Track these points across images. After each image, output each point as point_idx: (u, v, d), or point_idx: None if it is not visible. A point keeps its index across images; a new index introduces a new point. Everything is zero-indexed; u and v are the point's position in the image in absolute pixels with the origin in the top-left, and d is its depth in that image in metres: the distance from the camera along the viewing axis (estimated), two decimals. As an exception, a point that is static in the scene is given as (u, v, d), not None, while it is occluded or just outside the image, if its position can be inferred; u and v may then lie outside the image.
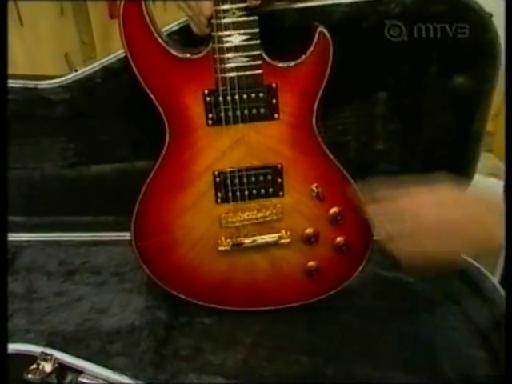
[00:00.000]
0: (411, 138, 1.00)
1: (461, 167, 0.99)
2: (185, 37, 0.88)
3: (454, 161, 0.99)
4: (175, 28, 0.88)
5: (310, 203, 0.85)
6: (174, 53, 0.76)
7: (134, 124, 0.99)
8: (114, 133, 0.99)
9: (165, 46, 0.76)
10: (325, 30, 0.76)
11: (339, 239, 0.88)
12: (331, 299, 0.93)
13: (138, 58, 0.77)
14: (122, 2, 0.73)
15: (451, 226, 0.66)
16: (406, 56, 0.92)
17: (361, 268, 0.91)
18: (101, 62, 0.92)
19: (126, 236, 1.05)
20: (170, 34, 0.87)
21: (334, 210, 0.86)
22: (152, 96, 0.79)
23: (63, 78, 0.93)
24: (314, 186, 0.84)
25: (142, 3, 0.74)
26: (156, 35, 0.76)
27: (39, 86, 0.95)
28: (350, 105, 0.98)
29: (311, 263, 0.89)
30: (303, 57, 0.77)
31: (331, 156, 0.84)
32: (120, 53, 0.91)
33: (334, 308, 0.94)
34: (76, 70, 0.92)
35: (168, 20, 0.88)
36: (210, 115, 0.79)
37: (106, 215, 1.06)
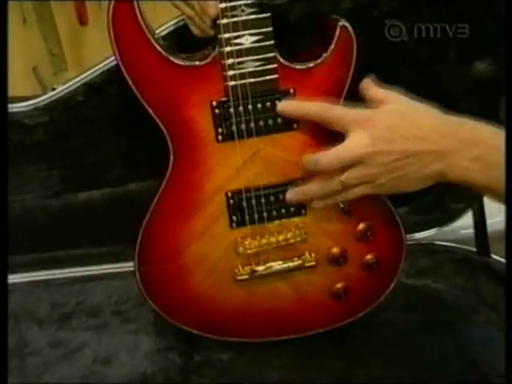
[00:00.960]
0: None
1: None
2: (177, 41, 0.77)
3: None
4: (165, 32, 0.78)
5: (336, 219, 0.76)
6: (175, 60, 0.66)
7: (123, 143, 0.87)
8: (101, 154, 0.88)
9: (163, 52, 0.65)
10: (347, 24, 0.67)
11: (369, 256, 0.78)
12: (359, 317, 0.84)
13: (132, 68, 0.66)
14: (112, 3, 0.62)
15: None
16: (422, 43, 0.83)
17: (393, 285, 0.82)
18: (81, 77, 0.80)
19: (123, 267, 0.95)
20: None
21: (362, 225, 0.76)
22: (151, 111, 0.68)
23: (39, 99, 0.81)
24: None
25: (135, 3, 0.63)
26: (152, 41, 0.65)
27: (11, 110, 0.83)
28: (361, 103, 0.89)
29: (339, 285, 0.80)
30: (323, 56, 0.67)
31: (357, 165, 0.74)
32: (103, 65, 0.80)
33: (363, 327, 0.85)
34: (54, 89, 0.80)
35: (158, 23, 0.77)
36: (220, 129, 0.69)
37: (99, 246, 0.95)
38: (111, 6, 0.62)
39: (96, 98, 0.81)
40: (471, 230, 0.98)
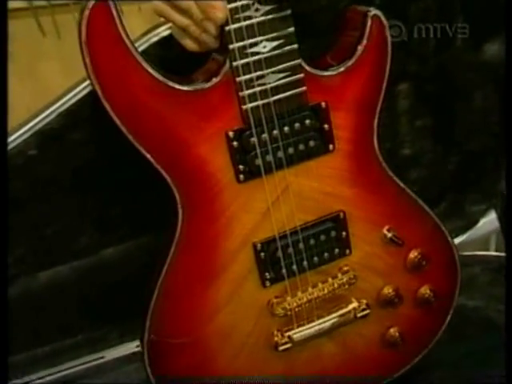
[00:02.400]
0: (444, 133, 0.81)
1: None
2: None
3: (498, 150, 0.81)
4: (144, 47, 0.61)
5: (384, 253, 0.62)
6: (176, 85, 0.49)
7: (92, 201, 0.69)
8: (65, 220, 0.68)
9: (160, 77, 0.49)
10: (379, 13, 0.53)
11: (424, 289, 0.65)
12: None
13: (119, 100, 0.48)
14: (86, 12, 0.45)
15: None
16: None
17: (449, 317, 0.69)
18: (31, 124, 0.61)
19: (110, 355, 0.75)
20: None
21: (414, 253, 0.63)
22: (149, 156, 0.51)
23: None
24: (385, 230, 0.61)
25: (115, 13, 0.46)
26: (143, 62, 0.48)
27: None
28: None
29: (392, 330, 0.66)
30: (356, 54, 0.54)
31: (401, 184, 0.61)
32: (58, 106, 0.62)
33: (420, 371, 0.71)
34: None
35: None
36: (241, 166, 0.53)
37: (72, 336, 0.74)
38: (85, 16, 0.44)
39: (54, 150, 0.62)
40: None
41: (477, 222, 0.87)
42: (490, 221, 0.88)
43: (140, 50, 0.60)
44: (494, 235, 0.94)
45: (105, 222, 0.70)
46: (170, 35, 0.56)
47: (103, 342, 0.75)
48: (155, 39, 0.61)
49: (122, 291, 0.73)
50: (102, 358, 0.76)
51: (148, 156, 0.51)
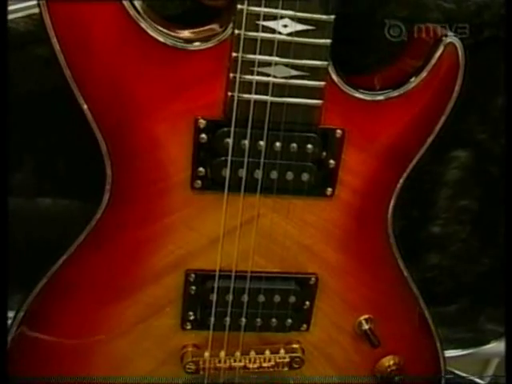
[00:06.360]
0: (488, 227, 0.64)
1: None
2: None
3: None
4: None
5: (350, 346, 0.47)
6: (150, 31, 0.35)
7: (38, 139, 0.55)
8: None
9: (133, 12, 0.35)
10: (457, 41, 0.38)
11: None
12: None
13: (72, 35, 0.35)
14: None
15: None
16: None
17: None
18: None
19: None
20: None
21: (389, 361, 0.48)
22: (85, 106, 0.37)
23: None
24: (362, 319, 0.46)
25: None
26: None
27: None
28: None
29: None
30: (407, 86, 0.39)
31: (405, 272, 0.46)
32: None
33: None
34: None
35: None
36: (202, 169, 0.39)
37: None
38: None
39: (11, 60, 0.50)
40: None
41: (487, 342, 0.70)
42: (500, 348, 0.71)
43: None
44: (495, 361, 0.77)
45: (46, 165, 0.57)
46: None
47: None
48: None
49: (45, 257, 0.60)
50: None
51: (84, 107, 0.37)
